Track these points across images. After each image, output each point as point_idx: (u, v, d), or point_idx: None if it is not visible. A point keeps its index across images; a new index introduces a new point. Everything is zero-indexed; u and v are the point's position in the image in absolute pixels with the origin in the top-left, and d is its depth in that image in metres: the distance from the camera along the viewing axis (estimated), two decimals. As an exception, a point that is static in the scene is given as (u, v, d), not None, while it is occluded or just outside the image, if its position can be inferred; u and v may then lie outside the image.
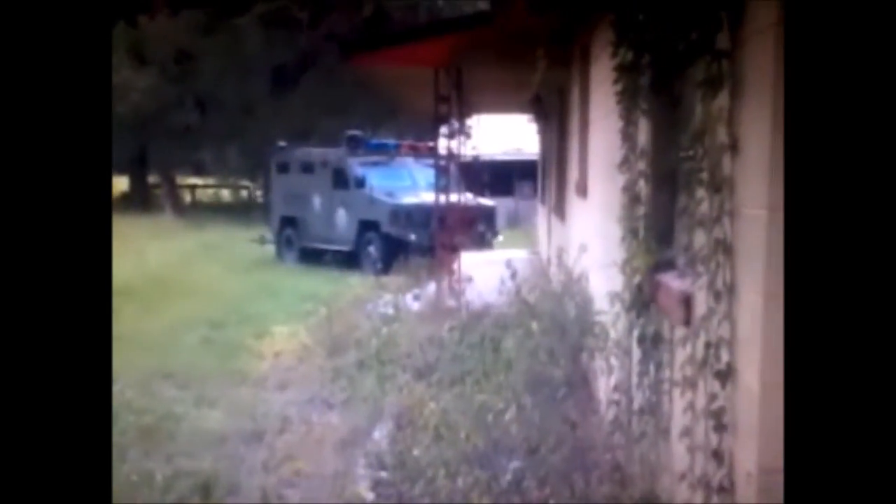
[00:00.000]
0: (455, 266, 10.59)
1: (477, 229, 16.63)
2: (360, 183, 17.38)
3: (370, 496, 4.93)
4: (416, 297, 10.74)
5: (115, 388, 6.46)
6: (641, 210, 4.02)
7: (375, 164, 18.00)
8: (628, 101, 4.16)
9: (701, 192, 2.91)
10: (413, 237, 15.94)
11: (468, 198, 14.96)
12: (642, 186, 4.05)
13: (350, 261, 16.99)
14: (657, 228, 3.87)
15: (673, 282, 3.48)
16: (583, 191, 7.17)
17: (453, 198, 11.68)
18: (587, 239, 6.65)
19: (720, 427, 2.72)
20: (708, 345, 2.83)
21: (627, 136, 4.22)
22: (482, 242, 17.28)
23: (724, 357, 2.71)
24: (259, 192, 33.69)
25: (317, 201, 18.36)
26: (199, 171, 38.40)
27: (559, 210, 10.53)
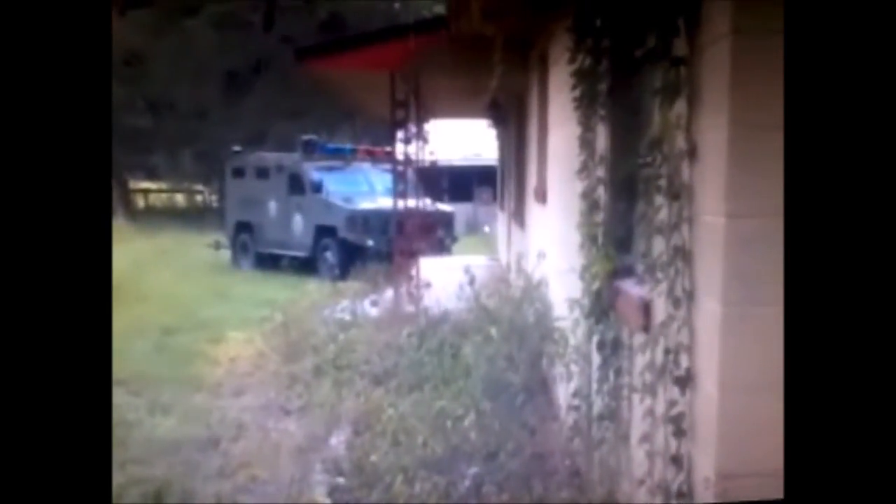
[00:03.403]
0: (413, 272, 10.55)
1: (435, 235, 16.59)
2: (317, 188, 17.29)
3: (327, 502, 4.89)
4: (374, 303, 10.68)
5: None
6: (600, 216, 4.04)
7: (332, 168, 17.89)
8: (586, 107, 4.17)
9: (659, 199, 2.92)
10: (370, 243, 15.86)
11: (426, 203, 14.91)
12: (601, 193, 4.06)
13: (307, 266, 16.83)
14: (616, 235, 3.88)
15: (632, 288, 3.49)
16: (542, 197, 7.19)
17: (411, 203, 11.63)
18: (546, 245, 6.66)
19: (679, 433, 2.73)
20: (667, 351, 2.84)
21: (586, 143, 4.22)
22: (441, 248, 17.24)
23: (684, 363, 2.72)
24: (214, 197, 33.33)
25: (272, 206, 18.20)
26: (152, 175, 37.88)
27: (518, 216, 10.55)
